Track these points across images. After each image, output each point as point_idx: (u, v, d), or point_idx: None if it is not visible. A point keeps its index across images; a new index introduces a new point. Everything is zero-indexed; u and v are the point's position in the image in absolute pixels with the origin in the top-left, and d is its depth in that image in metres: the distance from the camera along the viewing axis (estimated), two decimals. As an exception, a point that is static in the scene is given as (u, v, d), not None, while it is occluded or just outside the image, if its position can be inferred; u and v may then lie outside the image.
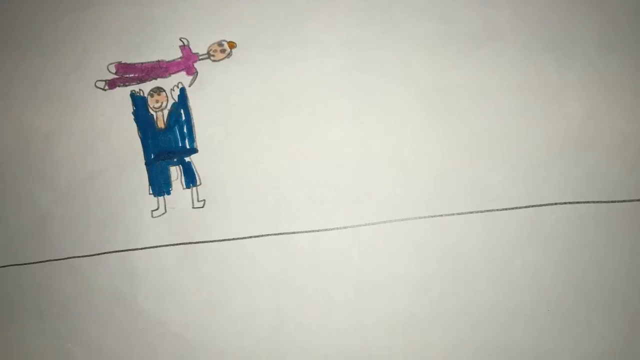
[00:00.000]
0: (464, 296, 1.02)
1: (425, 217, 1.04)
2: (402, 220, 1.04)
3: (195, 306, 1.07)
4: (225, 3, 1.13)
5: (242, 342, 1.06)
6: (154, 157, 1.11)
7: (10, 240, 1.12)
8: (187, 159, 1.11)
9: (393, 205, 1.05)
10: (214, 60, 1.12)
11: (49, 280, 1.10)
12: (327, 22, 1.11)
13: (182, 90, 1.12)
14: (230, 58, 1.12)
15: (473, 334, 1.02)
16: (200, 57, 1.12)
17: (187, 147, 1.11)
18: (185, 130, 1.11)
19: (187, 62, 1.12)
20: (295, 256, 1.06)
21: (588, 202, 1.02)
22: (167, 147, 1.11)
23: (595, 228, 1.01)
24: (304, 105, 1.09)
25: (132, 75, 1.13)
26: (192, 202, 1.09)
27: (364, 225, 1.05)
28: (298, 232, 1.06)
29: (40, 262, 1.11)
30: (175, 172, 1.11)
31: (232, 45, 1.12)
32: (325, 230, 1.06)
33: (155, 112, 1.13)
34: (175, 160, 1.11)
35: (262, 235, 1.06)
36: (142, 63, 1.13)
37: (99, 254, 1.10)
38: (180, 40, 1.13)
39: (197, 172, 1.10)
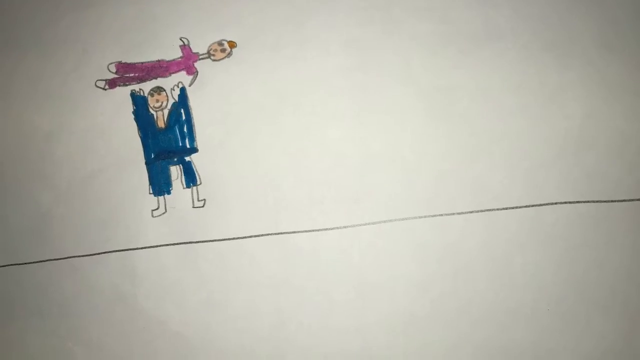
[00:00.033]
0: (464, 295, 1.02)
1: (425, 216, 1.04)
2: (403, 219, 1.04)
3: (195, 305, 1.07)
4: (226, 3, 1.13)
5: (243, 342, 1.06)
6: (154, 157, 1.11)
7: (10, 239, 1.12)
8: (187, 159, 1.11)
9: (393, 204, 1.05)
10: (214, 60, 1.12)
11: (49, 280, 1.10)
12: (327, 22, 1.11)
13: (183, 89, 1.12)
14: (231, 58, 1.12)
15: (473, 333, 1.02)
16: (201, 57, 1.12)
17: (188, 146, 1.11)
18: (185, 129, 1.11)
19: (188, 61, 1.12)
20: (295, 255, 1.06)
21: (588, 201, 1.02)
22: (168, 146, 1.12)
23: (596, 227, 1.01)
24: (304, 105, 1.09)
25: (132, 74, 1.13)
26: (193, 202, 1.09)
27: (364, 224, 1.05)
28: (298, 232, 1.06)
29: (41, 261, 1.11)
30: (175, 171, 1.11)
31: (232, 44, 1.12)
32: (326, 229, 1.06)
33: (156, 111, 1.13)
34: (175, 159, 1.11)
35: (262, 235, 1.06)
36: (142, 62, 1.13)
37: (99, 254, 1.10)
38: (181, 39, 1.13)
39: (197, 171, 1.10)
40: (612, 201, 1.01)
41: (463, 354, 1.02)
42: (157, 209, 1.10)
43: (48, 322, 1.10)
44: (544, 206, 1.02)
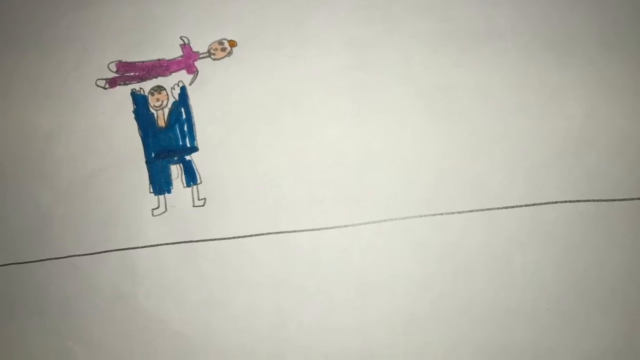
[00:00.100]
0: (465, 295, 1.02)
1: (425, 215, 1.04)
2: (403, 218, 1.04)
3: (195, 305, 1.07)
4: (226, 2, 1.13)
5: (243, 341, 1.06)
6: (155, 156, 1.12)
7: (11, 238, 1.12)
8: (187, 158, 1.11)
9: (393, 203, 1.05)
10: (214, 59, 1.12)
11: (49, 279, 1.11)
12: (327, 21, 1.11)
13: (183, 88, 1.12)
14: (231, 57, 1.12)
15: (473, 332, 1.02)
16: (201, 56, 1.12)
17: (188, 145, 1.11)
18: (185, 128, 1.11)
19: (188, 60, 1.12)
20: (295, 255, 1.06)
21: (588, 200, 1.02)
22: (168, 145, 1.12)
23: (596, 226, 1.01)
24: (304, 104, 1.09)
25: (132, 73, 1.13)
26: (193, 201, 1.09)
27: (365, 223, 1.05)
28: (298, 231, 1.06)
29: (41, 260, 1.11)
30: (175, 170, 1.11)
31: (232, 43, 1.12)
32: (326, 228, 1.06)
33: (156, 110, 1.13)
34: (175, 158, 1.11)
35: (262, 234, 1.07)
36: (142, 62, 1.13)
37: (99, 253, 1.10)
38: (181, 38, 1.13)
39: (197, 170, 1.10)
40: (612, 200, 1.01)
41: (463, 353, 1.02)
42: (158, 208, 1.10)
43: (48, 321, 1.10)
44: (544, 205, 1.02)
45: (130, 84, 1.13)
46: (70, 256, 1.10)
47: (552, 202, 1.02)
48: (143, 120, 1.12)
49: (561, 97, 1.04)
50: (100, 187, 1.11)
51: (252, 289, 1.06)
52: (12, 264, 1.12)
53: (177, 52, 1.13)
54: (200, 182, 1.10)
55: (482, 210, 1.03)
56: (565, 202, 1.02)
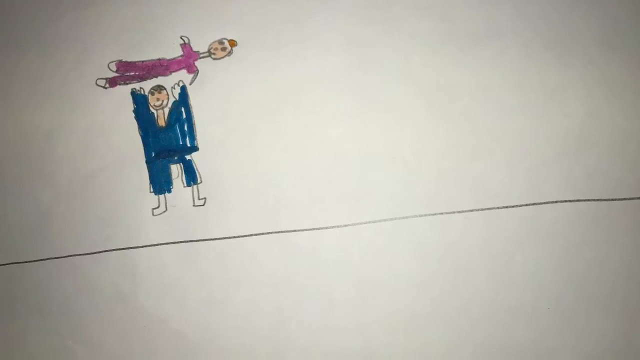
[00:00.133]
0: (465, 294, 1.02)
1: (425, 215, 1.04)
2: (403, 218, 1.04)
3: (195, 304, 1.07)
4: (226, 1, 1.13)
5: (243, 340, 1.06)
6: (155, 155, 1.12)
7: (11, 238, 1.12)
8: (187, 157, 1.11)
9: (393, 203, 1.05)
10: (214, 59, 1.12)
11: (49, 278, 1.11)
12: (327, 21, 1.11)
13: (183, 88, 1.12)
14: (231, 56, 1.12)
15: (473, 331, 1.02)
16: (201, 55, 1.12)
17: (188, 145, 1.11)
18: (185, 128, 1.11)
19: (188, 60, 1.12)
20: (295, 254, 1.06)
21: (589, 200, 1.02)
22: (168, 145, 1.12)
23: (596, 226, 1.01)
24: (305, 103, 1.09)
25: (132, 73, 1.14)
26: (193, 200, 1.09)
27: (365, 223, 1.05)
28: (298, 230, 1.06)
29: (41, 260, 1.11)
30: (176, 170, 1.11)
31: (232, 43, 1.12)
32: (326, 228, 1.06)
33: (156, 110, 1.13)
34: (176, 158, 1.11)
35: (262, 233, 1.07)
36: (142, 61, 1.14)
37: (99, 252, 1.10)
38: (181, 38, 1.13)
39: (197, 170, 1.10)
40: (612, 200, 1.01)
41: (463, 353, 1.02)
42: (158, 207, 1.10)
43: (49, 320, 1.10)
44: (544, 205, 1.02)
45: (130, 83, 1.13)
46: (71, 256, 1.10)
47: (553, 202, 1.02)
48: (143, 120, 1.12)
49: (561, 97, 1.04)
50: (101, 187, 1.11)
51: (252, 288, 1.06)
52: (12, 263, 1.12)
53: (177, 52, 1.13)
54: (201, 182, 1.10)
55: (482, 209, 1.03)
56: (566, 201, 1.02)
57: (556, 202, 1.02)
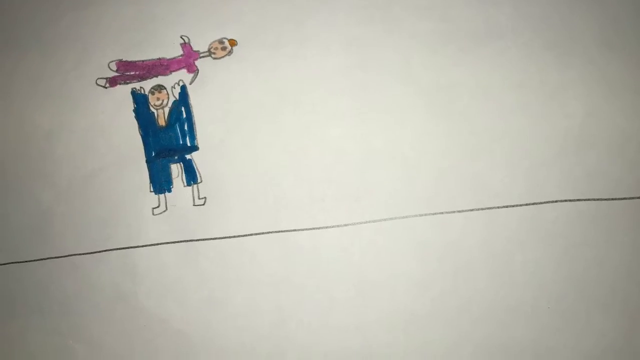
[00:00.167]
0: (465, 294, 1.02)
1: (425, 214, 1.04)
2: (403, 217, 1.04)
3: (196, 304, 1.07)
4: (226, 1, 1.14)
5: (243, 340, 1.06)
6: (155, 155, 1.12)
7: (11, 237, 1.12)
8: (188, 157, 1.11)
9: (394, 202, 1.05)
10: (214, 58, 1.12)
11: (50, 278, 1.11)
12: (327, 21, 1.11)
13: (183, 87, 1.12)
14: (231, 56, 1.12)
15: (473, 331, 1.02)
16: (201, 55, 1.12)
17: (188, 144, 1.11)
18: (186, 127, 1.11)
19: (188, 59, 1.12)
20: (295, 254, 1.06)
21: (589, 199, 1.02)
22: (168, 144, 1.12)
23: (596, 225, 1.01)
24: (305, 103, 1.09)
25: (133, 73, 1.14)
26: (193, 200, 1.09)
27: (365, 222, 1.05)
28: (299, 230, 1.06)
29: (42, 259, 1.11)
30: (176, 169, 1.11)
31: (233, 43, 1.12)
32: (326, 227, 1.06)
33: (156, 109, 1.13)
34: (176, 157, 1.11)
35: (262, 233, 1.07)
36: (143, 61, 1.14)
37: (100, 252, 1.10)
38: (181, 38, 1.13)
39: (197, 169, 1.10)
40: (612, 199, 1.01)
41: (463, 352, 1.02)
42: (158, 207, 1.10)
43: (49, 320, 1.10)
44: (544, 204, 1.02)
45: (130, 83, 1.13)
46: (71, 255, 1.10)
47: (553, 201, 1.02)
48: (143, 120, 1.12)
49: (561, 96, 1.04)
50: (101, 186, 1.11)
51: (253, 287, 1.06)
52: (12, 262, 1.12)
53: (177, 51, 1.13)
54: (201, 181, 1.10)
55: (482, 209, 1.03)
56: (566, 201, 1.02)
57: (556, 201, 1.02)
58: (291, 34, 1.11)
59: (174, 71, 1.13)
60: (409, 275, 1.04)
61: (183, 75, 1.12)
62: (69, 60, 1.15)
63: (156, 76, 1.13)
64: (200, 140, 1.11)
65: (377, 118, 1.07)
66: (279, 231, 1.06)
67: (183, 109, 1.12)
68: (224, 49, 1.12)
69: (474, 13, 1.08)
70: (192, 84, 1.12)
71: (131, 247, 1.09)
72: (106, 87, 1.14)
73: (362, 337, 1.04)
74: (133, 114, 1.13)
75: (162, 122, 1.12)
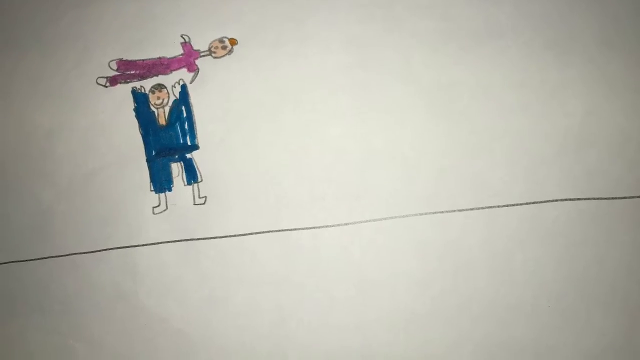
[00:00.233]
0: (465, 292, 1.02)
1: (426, 213, 1.04)
2: (403, 216, 1.04)
3: (196, 303, 1.07)
4: (226, 0, 1.14)
5: (243, 339, 1.06)
6: (155, 154, 1.12)
7: (11, 237, 1.13)
8: (188, 156, 1.11)
9: (394, 201, 1.05)
10: (215, 57, 1.12)
11: (50, 277, 1.11)
12: (328, 20, 1.11)
13: (184, 87, 1.12)
14: (232, 55, 1.12)
15: (474, 330, 1.02)
16: (202, 54, 1.12)
17: (189, 143, 1.11)
18: (186, 127, 1.11)
19: (189, 58, 1.12)
20: (296, 253, 1.06)
21: (589, 198, 1.02)
22: (169, 143, 1.12)
23: (596, 225, 1.01)
24: (305, 102, 1.09)
25: (133, 72, 1.14)
26: (194, 199, 1.09)
27: (365, 221, 1.05)
28: (299, 229, 1.06)
29: (42, 258, 1.11)
30: (176, 168, 1.11)
31: (233, 42, 1.12)
32: (326, 226, 1.06)
33: (157, 108, 1.13)
34: (176, 157, 1.11)
35: (263, 232, 1.07)
36: (143, 60, 1.14)
37: (100, 251, 1.10)
38: (182, 37, 1.13)
39: (198, 168, 1.10)
40: (612, 198, 1.01)
41: (463, 351, 1.02)
42: (158, 206, 1.10)
43: (49, 319, 1.10)
44: (544, 203, 1.02)
45: (131, 82, 1.13)
46: (71, 254, 1.10)
47: (553, 200, 1.02)
48: (144, 119, 1.12)
49: (561, 95, 1.04)
50: (101, 185, 1.11)
51: (253, 286, 1.06)
52: (13, 262, 1.12)
53: (178, 50, 1.13)
54: (201, 180, 1.10)
55: (482, 208, 1.03)
56: (566, 200, 1.02)
57: (556, 200, 1.02)
58: (291, 33, 1.11)
59: (174, 70, 1.13)
60: (409, 274, 1.04)
61: (183, 74, 1.12)
62: (69, 59, 1.15)
63: (156, 75, 1.13)
64: (200, 139, 1.11)
65: (378, 117, 1.08)
66: (279, 230, 1.06)
67: (183, 108, 1.12)
68: (224, 48, 1.12)
69: (474, 12, 1.08)
70: (193, 83, 1.12)
71: (132, 246, 1.09)
72: (106, 86, 1.14)
73: (362, 336, 1.04)
74: (133, 113, 1.13)
75: (162, 121, 1.12)
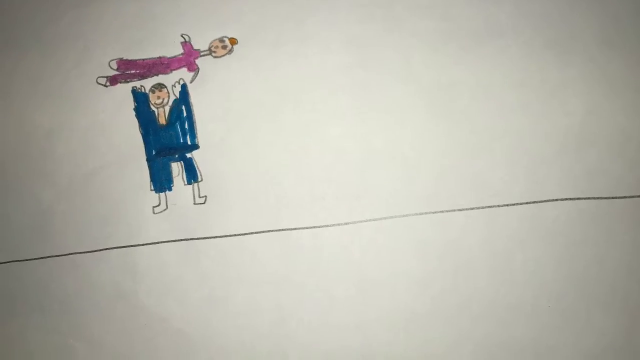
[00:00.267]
0: (465, 292, 1.02)
1: (426, 213, 1.04)
2: (403, 216, 1.04)
3: (196, 302, 1.07)
4: (227, 0, 1.13)
5: (244, 338, 1.06)
6: (156, 154, 1.12)
7: (12, 236, 1.13)
8: (188, 155, 1.11)
9: (394, 201, 1.05)
10: (215, 57, 1.12)
11: (50, 276, 1.11)
12: (328, 19, 1.11)
13: (184, 86, 1.12)
14: (232, 54, 1.12)
15: (474, 329, 1.02)
16: (202, 54, 1.12)
17: (189, 143, 1.11)
18: (186, 126, 1.11)
19: (189, 58, 1.13)
20: (296, 252, 1.06)
21: (589, 198, 1.02)
22: (169, 143, 1.12)
23: (596, 224, 1.01)
24: (305, 102, 1.09)
25: (133, 71, 1.14)
26: (194, 198, 1.09)
27: (365, 221, 1.05)
28: (299, 228, 1.06)
29: (42, 258, 1.11)
30: (176, 168, 1.11)
31: (233, 41, 1.12)
32: (327, 226, 1.06)
33: (157, 108, 1.13)
34: (176, 156, 1.11)
35: (263, 231, 1.07)
36: (143, 59, 1.14)
37: (100, 250, 1.10)
38: (182, 36, 1.13)
39: (198, 168, 1.10)
40: (613, 198, 1.01)
41: (463, 351, 1.02)
42: (158, 205, 1.10)
43: (49, 318, 1.10)
44: (544, 203, 1.02)
45: (131, 81, 1.13)
46: (71, 254, 1.11)
47: (553, 200, 1.02)
48: (144, 118, 1.12)
49: (562, 95, 1.04)
50: (101, 185, 1.11)
51: (253, 286, 1.06)
52: (13, 261, 1.12)
53: (178, 50, 1.13)
54: (201, 180, 1.10)
55: (482, 207, 1.03)
56: (566, 199, 1.02)
57: (556, 200, 1.02)
58: (291, 33, 1.11)
59: (174, 70, 1.13)
60: (409, 273, 1.04)
61: (183, 73, 1.12)
62: (69, 59, 1.15)
63: (157, 75, 1.13)
64: (200, 138, 1.11)
65: (378, 117, 1.08)
66: (279, 230, 1.06)
67: (183, 107, 1.12)
68: (224, 47, 1.12)
69: (474, 12, 1.08)
70: (193, 82, 1.12)
71: (132, 246, 1.09)
72: (107, 86, 1.14)
73: (362, 336, 1.04)
74: (134, 113, 1.13)
75: (162, 120, 1.12)
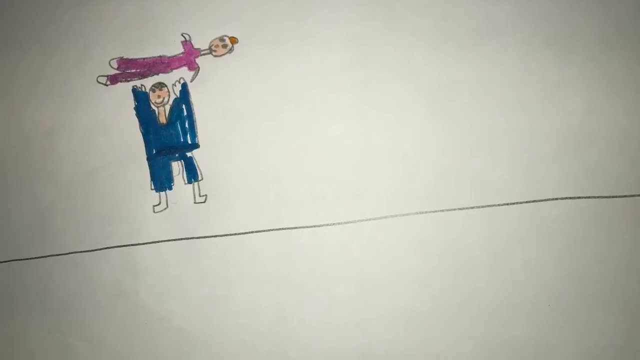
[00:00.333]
0: (465, 291, 1.02)
1: (426, 212, 1.04)
2: (404, 215, 1.04)
3: (197, 301, 1.07)
4: (227, -1, 1.14)
5: (244, 337, 1.06)
6: (156, 153, 1.12)
7: (12, 235, 1.13)
8: (188, 154, 1.11)
9: (394, 200, 1.05)
10: (215, 56, 1.12)
11: (51, 276, 1.11)
12: (328, 18, 1.11)
13: (184, 85, 1.12)
14: (232, 53, 1.12)
15: (474, 328, 1.02)
16: (202, 53, 1.12)
17: (189, 142, 1.11)
18: (186, 125, 1.11)
19: (189, 57, 1.13)
20: (296, 251, 1.06)
21: (589, 197, 1.02)
22: (169, 142, 1.12)
23: (596, 223, 1.01)
24: (306, 101, 1.09)
25: (133, 70, 1.14)
26: (194, 197, 1.09)
27: (366, 220, 1.05)
28: (300, 227, 1.06)
29: (42, 257, 1.11)
30: (177, 167, 1.11)
31: (233, 40, 1.12)
32: (327, 225, 1.06)
33: (157, 107, 1.13)
34: (177, 155, 1.11)
35: (263, 230, 1.07)
36: (143, 58, 1.14)
37: (101, 249, 1.10)
38: (182, 35, 1.13)
39: (198, 167, 1.10)
40: (613, 197, 1.01)
41: (464, 350, 1.02)
42: (159, 204, 1.10)
43: (50, 317, 1.10)
44: (545, 202, 1.02)
45: (131, 80, 1.13)
46: (72, 253, 1.11)
47: (553, 199, 1.02)
48: (144, 117, 1.12)
49: (562, 93, 1.04)
50: (102, 184, 1.11)
51: (254, 285, 1.06)
52: (13, 260, 1.12)
53: (178, 49, 1.13)
54: (202, 179, 1.10)
55: (482, 206, 1.03)
56: (566, 198, 1.02)
57: (557, 199, 1.02)
58: (292, 31, 1.11)
59: (174, 69, 1.13)
60: (409, 272, 1.04)
61: (184, 72, 1.13)
62: (69, 58, 1.15)
63: (157, 74, 1.13)
64: (201, 137, 1.11)
65: (378, 115, 1.08)
66: (280, 229, 1.06)
67: (184, 106, 1.12)
68: (224, 46, 1.12)
69: (474, 10, 1.08)
70: (193, 81, 1.12)
71: (132, 245, 1.10)
72: (107, 85, 1.14)
73: (362, 335, 1.04)
74: (134, 112, 1.13)
75: (163, 119, 1.12)
